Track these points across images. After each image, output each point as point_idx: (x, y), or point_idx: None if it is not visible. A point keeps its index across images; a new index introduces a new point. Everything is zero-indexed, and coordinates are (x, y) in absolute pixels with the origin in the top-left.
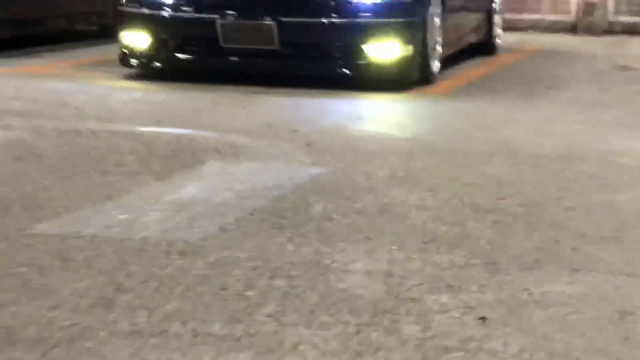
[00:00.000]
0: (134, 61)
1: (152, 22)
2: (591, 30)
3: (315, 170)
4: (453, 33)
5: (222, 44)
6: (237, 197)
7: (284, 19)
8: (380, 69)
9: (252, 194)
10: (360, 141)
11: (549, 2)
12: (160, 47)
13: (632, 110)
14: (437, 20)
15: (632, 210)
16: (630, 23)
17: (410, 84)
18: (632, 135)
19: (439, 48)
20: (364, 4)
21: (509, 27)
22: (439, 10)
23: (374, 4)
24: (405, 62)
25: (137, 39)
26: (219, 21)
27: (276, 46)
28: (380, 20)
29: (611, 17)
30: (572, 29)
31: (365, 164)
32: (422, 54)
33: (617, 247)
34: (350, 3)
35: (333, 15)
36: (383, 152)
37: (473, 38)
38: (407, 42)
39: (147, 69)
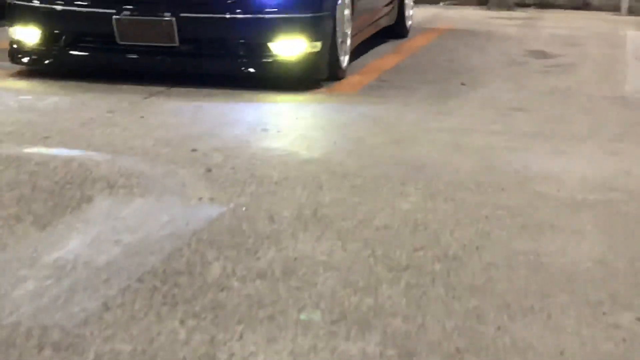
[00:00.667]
0: (24, 58)
1: (43, 16)
2: (503, 3)
3: (214, 211)
4: (363, 21)
5: (118, 40)
6: (126, 254)
7: (183, 14)
8: (286, 67)
9: (142, 249)
10: (265, 165)
11: None
12: (52, 43)
13: (550, 115)
14: (347, 12)
15: (557, 267)
16: None
17: (319, 80)
18: (552, 150)
19: (348, 41)
20: None
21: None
22: (347, 0)
23: None
24: (313, 59)
25: (27, 33)
26: (115, 16)
27: (176, 43)
28: (286, 15)
29: None
30: (484, 2)
31: (270, 198)
32: (331, 50)
33: (546, 324)
34: None
35: (236, 10)
36: (289, 181)
37: (384, 22)
38: (315, 38)
39: (38, 66)
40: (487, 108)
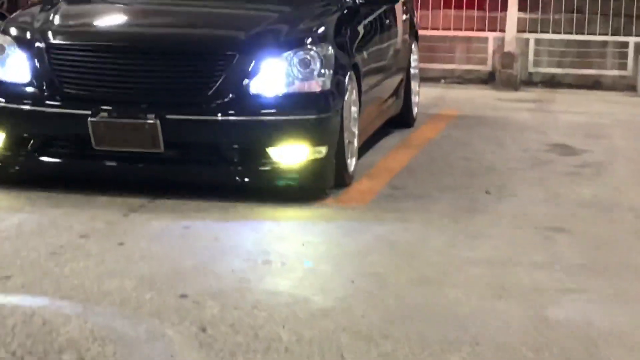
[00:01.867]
0: None
1: (8, 116)
2: (510, 83)
3: None
4: (370, 115)
5: (94, 145)
6: None
7: (170, 116)
8: (287, 176)
9: None
10: (271, 320)
11: (461, 50)
12: (19, 147)
13: (597, 238)
14: (354, 110)
15: None
16: (549, 74)
17: (324, 189)
18: (613, 292)
19: (355, 141)
20: (266, 97)
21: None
22: (355, 96)
23: (278, 97)
24: (318, 166)
25: None
26: (90, 118)
27: (161, 149)
28: (287, 117)
29: (530, 68)
30: (487, 80)
31: None
32: (338, 154)
33: None
34: (249, 96)
35: (229, 111)
36: (302, 346)
37: (390, 112)
38: (320, 142)
39: (1, 175)
40: (523, 227)
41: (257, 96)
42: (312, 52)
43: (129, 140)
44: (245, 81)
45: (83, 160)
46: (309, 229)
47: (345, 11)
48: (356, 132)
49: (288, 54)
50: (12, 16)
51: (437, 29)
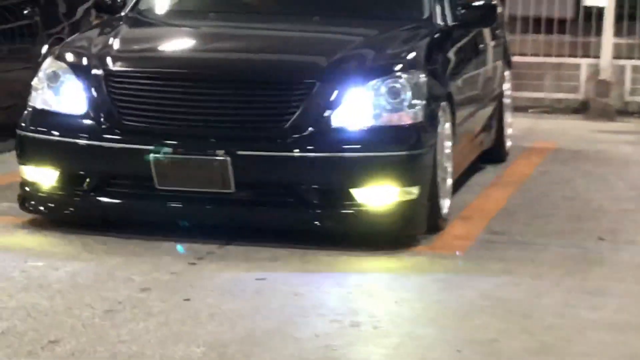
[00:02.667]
0: (38, 206)
1: (62, 151)
2: (605, 113)
3: None
4: (463, 150)
5: (157, 184)
6: None
7: (241, 152)
8: (373, 221)
9: None
10: None
11: (551, 78)
12: (74, 186)
13: None
14: (447, 144)
15: None
16: None
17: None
18: None
19: (449, 180)
20: (350, 130)
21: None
22: (448, 130)
23: (364, 131)
24: (409, 210)
25: (42, 174)
26: (152, 155)
27: (231, 189)
28: (373, 153)
29: (627, 97)
30: (579, 109)
31: None
32: (431, 195)
33: None
34: (331, 130)
35: (308, 147)
36: None
37: (483, 146)
38: (411, 182)
39: (55, 216)
40: None
41: (339, 130)
42: (401, 80)
43: (196, 179)
44: (327, 113)
45: (144, 201)
46: (401, 282)
47: (437, 35)
48: (450, 170)
49: (375, 82)
50: (67, 40)
51: (525, 54)
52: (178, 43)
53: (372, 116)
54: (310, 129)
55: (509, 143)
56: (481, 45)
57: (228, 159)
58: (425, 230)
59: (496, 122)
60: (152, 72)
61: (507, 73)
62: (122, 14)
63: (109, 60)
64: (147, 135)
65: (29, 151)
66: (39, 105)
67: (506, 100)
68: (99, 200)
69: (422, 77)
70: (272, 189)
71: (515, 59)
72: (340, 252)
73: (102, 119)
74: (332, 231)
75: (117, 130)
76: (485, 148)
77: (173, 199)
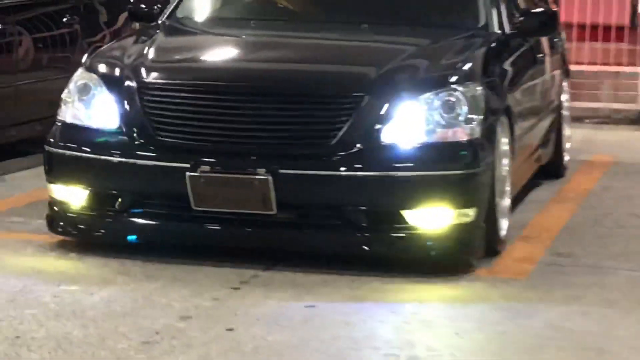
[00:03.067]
0: (67, 227)
1: (93, 169)
2: None
3: None
4: (521, 166)
5: (194, 205)
6: None
7: (283, 171)
8: (426, 245)
9: None
10: None
11: (609, 87)
12: (106, 206)
13: None
14: (506, 161)
15: None
16: None
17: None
18: None
19: (507, 199)
20: (401, 147)
21: None
22: (506, 145)
23: (416, 148)
24: (465, 233)
25: (71, 193)
26: (189, 173)
27: (273, 210)
28: (426, 173)
29: None
30: (638, 120)
31: None
32: (489, 216)
33: None
34: (380, 147)
35: (355, 165)
36: None
37: (541, 161)
38: (467, 203)
39: (86, 238)
40: None
41: (389, 147)
42: (457, 93)
43: (235, 199)
44: (376, 128)
45: (180, 222)
46: (460, 311)
47: (493, 44)
48: (508, 188)
49: (428, 95)
50: (100, 50)
51: (581, 63)
52: (217, 53)
53: (425, 132)
54: (357, 145)
55: (567, 157)
56: (539, 55)
57: (269, 177)
58: (482, 254)
59: (554, 135)
60: (189, 84)
61: (565, 83)
62: (159, 22)
63: (143, 71)
64: (183, 152)
65: (57, 168)
66: (68, 119)
67: (565, 112)
68: (132, 222)
69: (479, 90)
70: (317, 210)
71: (572, 67)
72: (392, 278)
73: (135, 135)
74: (381, 256)
75: (151, 147)
76: (543, 163)
77: (211, 220)
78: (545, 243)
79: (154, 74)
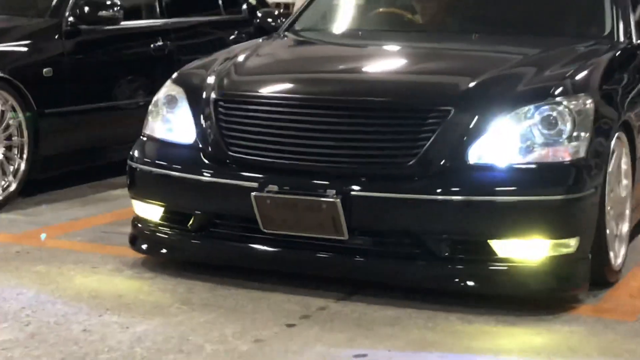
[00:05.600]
0: (143, 244)
1: (167, 187)
2: None
3: None
4: None
5: (262, 227)
6: None
7: (355, 193)
8: (518, 280)
9: None
10: None
11: None
12: (179, 226)
13: None
14: (625, 183)
15: None
16: None
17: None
18: None
19: (625, 225)
20: (491, 168)
21: None
22: (625, 164)
23: (508, 169)
24: (565, 266)
25: (148, 210)
26: (254, 193)
27: (344, 235)
28: (519, 198)
29: None
30: None
31: None
32: (597, 246)
33: None
34: (467, 167)
35: (437, 188)
36: None
37: None
38: (568, 233)
39: (157, 256)
40: None
41: (477, 167)
42: (561, 107)
43: (304, 222)
44: (462, 146)
45: (248, 244)
46: None
47: (617, 54)
48: (627, 212)
49: (526, 109)
50: (191, 63)
51: None
52: (303, 64)
53: (519, 151)
54: (440, 165)
55: None
56: None
57: (338, 200)
58: (586, 288)
59: None
60: (260, 97)
61: None
62: (275, 33)
63: (222, 83)
64: (252, 169)
65: (137, 184)
66: (150, 132)
67: None
68: (200, 243)
69: (589, 104)
70: (393, 237)
71: None
72: (477, 316)
73: (207, 150)
74: (465, 291)
75: (221, 164)
76: None
77: (281, 244)
78: None
79: (230, 86)
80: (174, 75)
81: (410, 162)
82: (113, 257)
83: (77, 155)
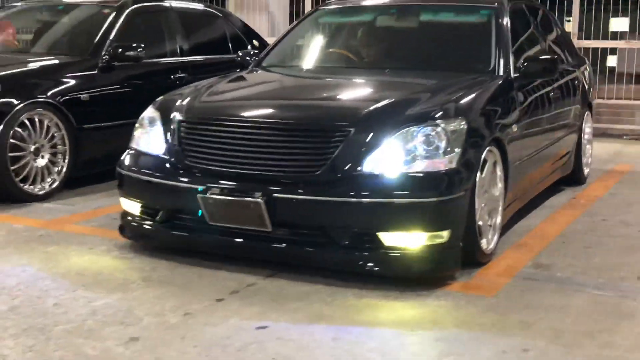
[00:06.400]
0: (128, 233)
1: (144, 189)
2: None
3: None
4: (524, 186)
5: (209, 221)
6: None
7: (277, 195)
8: (400, 264)
9: None
10: None
11: None
12: (153, 218)
13: None
14: (500, 186)
15: None
16: None
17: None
18: None
19: (498, 218)
20: (381, 176)
21: (600, 134)
22: (500, 171)
23: (395, 177)
24: (438, 252)
25: (133, 206)
26: (199, 195)
27: (268, 228)
28: (401, 200)
29: None
30: None
31: None
32: (468, 235)
33: None
34: (362, 175)
35: (339, 191)
36: None
37: (557, 175)
38: (440, 227)
39: (138, 242)
40: None
41: (370, 175)
42: (438, 129)
43: (238, 217)
44: (360, 159)
45: (201, 234)
46: (404, 339)
47: (497, 84)
48: (499, 208)
49: (412, 129)
50: (173, 91)
51: (620, 98)
52: (245, 93)
53: (405, 162)
54: (343, 174)
55: (587, 170)
56: (551, 94)
57: (262, 201)
58: (458, 269)
59: (574, 153)
60: (208, 119)
61: (587, 114)
62: (247, 69)
63: (186, 109)
64: (201, 175)
65: (123, 185)
66: (133, 146)
67: (586, 136)
68: (168, 232)
69: (463, 125)
70: (306, 229)
71: (611, 102)
72: (371, 291)
73: (172, 160)
74: (362, 271)
75: (180, 171)
76: (561, 176)
77: (223, 233)
78: (534, 252)
79: (190, 110)
80: (156, 100)
81: (319, 171)
82: (109, 240)
83: (107, 159)
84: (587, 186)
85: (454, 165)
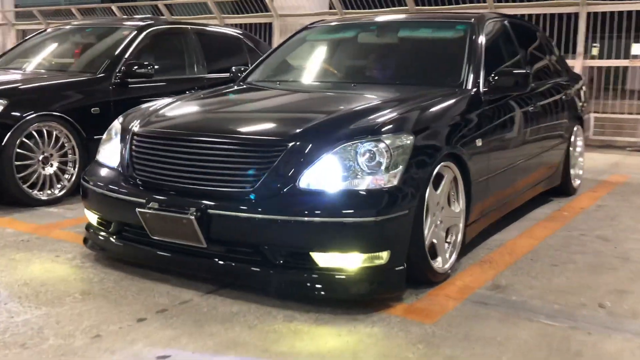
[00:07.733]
0: (90, 244)
1: (97, 200)
2: None
3: None
4: (492, 202)
5: (150, 234)
6: None
7: (210, 211)
8: (339, 284)
9: None
10: None
11: None
12: (106, 230)
13: None
14: (461, 204)
15: None
16: None
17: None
18: None
19: (459, 236)
20: (316, 193)
21: (604, 145)
22: (461, 186)
23: (332, 195)
24: (377, 274)
25: (92, 218)
26: (138, 209)
27: (202, 244)
28: (339, 219)
29: None
30: None
31: None
32: (414, 255)
33: None
34: (297, 193)
35: (272, 209)
36: None
37: (542, 187)
38: (379, 248)
39: (96, 252)
40: None
41: (306, 192)
42: (381, 145)
43: (175, 232)
44: (295, 175)
45: (144, 247)
46: None
47: (462, 98)
48: (460, 225)
49: (351, 144)
50: (141, 105)
51: (622, 113)
52: (197, 108)
53: (343, 179)
54: (277, 190)
55: (577, 181)
56: (529, 108)
57: (192, 217)
58: (401, 291)
59: (562, 165)
60: (150, 133)
61: (576, 127)
62: (231, 85)
63: (139, 123)
64: (146, 188)
65: (85, 196)
66: (98, 157)
67: (578, 149)
68: (117, 243)
69: (409, 140)
70: (240, 246)
71: (614, 115)
72: (301, 314)
73: (122, 172)
74: (294, 293)
75: (127, 184)
76: (547, 188)
77: (163, 248)
78: (498, 270)
79: (142, 124)
80: (120, 116)
81: (253, 187)
82: (81, 248)
83: None
84: (575, 198)
85: (396, 182)
